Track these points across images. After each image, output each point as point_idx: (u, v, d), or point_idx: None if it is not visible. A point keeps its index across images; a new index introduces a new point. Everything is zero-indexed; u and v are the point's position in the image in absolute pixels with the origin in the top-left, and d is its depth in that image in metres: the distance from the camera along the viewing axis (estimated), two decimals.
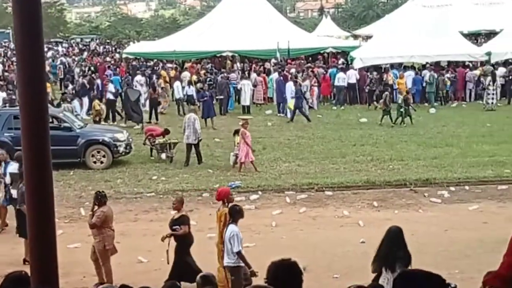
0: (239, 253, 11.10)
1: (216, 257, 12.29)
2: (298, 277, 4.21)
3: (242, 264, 11.13)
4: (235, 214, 11.43)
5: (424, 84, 34.21)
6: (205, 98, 28.78)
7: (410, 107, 28.57)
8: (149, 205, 17.92)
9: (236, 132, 21.57)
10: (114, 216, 17.04)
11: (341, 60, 40.62)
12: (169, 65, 41.32)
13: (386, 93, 29.38)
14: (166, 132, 23.31)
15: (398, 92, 29.86)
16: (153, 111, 30.57)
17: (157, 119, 30.26)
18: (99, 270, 12.79)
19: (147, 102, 31.45)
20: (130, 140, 23.32)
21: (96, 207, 12.85)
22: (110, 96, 30.94)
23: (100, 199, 12.93)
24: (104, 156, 22.11)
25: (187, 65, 41.85)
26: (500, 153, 22.64)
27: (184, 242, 12.35)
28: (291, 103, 29.80)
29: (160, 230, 15.66)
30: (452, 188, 18.84)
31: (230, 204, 12.18)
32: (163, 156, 22.66)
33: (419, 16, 41.71)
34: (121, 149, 22.42)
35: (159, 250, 14.19)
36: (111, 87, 31.78)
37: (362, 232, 15.34)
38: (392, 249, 9.12)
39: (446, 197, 18.20)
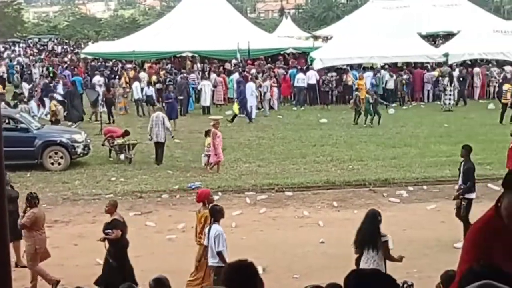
0: (219, 253, 11.11)
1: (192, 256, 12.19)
2: (254, 278, 4.16)
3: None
4: (216, 214, 11.45)
5: (384, 85, 34.45)
6: (170, 100, 28.59)
7: (379, 106, 28.91)
8: None
9: (207, 132, 21.45)
10: (71, 218, 16.94)
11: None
12: (128, 65, 41.00)
13: (357, 93, 29.58)
14: (126, 133, 23.13)
15: (366, 93, 30.05)
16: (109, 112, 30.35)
17: (109, 119, 30.05)
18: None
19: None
20: (88, 141, 23.07)
21: (28, 209, 12.66)
22: (58, 97, 30.48)
23: (31, 200, 12.79)
24: (61, 158, 21.82)
25: (146, 65, 41.56)
26: (457, 153, 22.58)
27: (117, 246, 12.18)
28: (235, 106, 29.71)
29: None
30: (411, 188, 19.02)
31: (211, 205, 12.12)
32: (122, 157, 22.47)
33: (379, 17, 42.22)
34: (79, 150, 22.14)
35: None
36: (59, 88, 31.46)
37: (322, 232, 15.38)
38: (372, 229, 9.84)
39: (405, 196, 18.35)
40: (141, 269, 13.22)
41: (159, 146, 22.25)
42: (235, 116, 29.45)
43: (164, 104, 28.30)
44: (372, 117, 28.43)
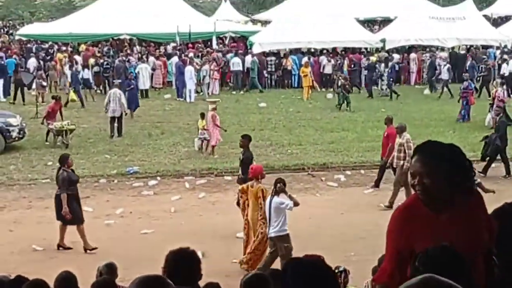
0: (296, 204, 12.09)
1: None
2: (197, 265, 4.17)
3: (288, 231, 11.96)
4: (280, 187, 12.14)
5: (321, 70, 34.70)
6: (131, 87, 27.25)
7: (348, 93, 29.13)
8: (44, 192, 17.39)
9: (202, 115, 21.54)
10: (5, 203, 16.62)
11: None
12: (64, 48, 40.21)
13: (342, 81, 29.58)
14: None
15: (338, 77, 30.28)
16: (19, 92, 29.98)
17: (23, 100, 29.68)
18: None
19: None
20: (24, 125, 22.58)
21: None
22: None
23: None
24: None
25: (82, 47, 40.82)
26: None
27: None
28: (72, 93, 29.02)
29: (54, 218, 15.30)
30: (348, 172, 19.27)
31: (276, 179, 12.66)
32: (59, 140, 22.14)
33: (317, 2, 42.29)
34: (14, 134, 21.66)
35: (54, 238, 13.89)
36: None
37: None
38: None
39: (343, 181, 18.59)
40: (79, 255, 13.14)
41: (114, 120, 23.33)
42: (71, 101, 28.66)
43: (126, 93, 26.39)
44: (341, 103, 28.78)
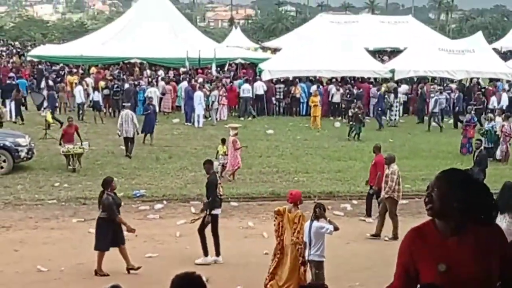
0: (335, 229, 12.31)
1: None
2: None
3: (324, 259, 12.16)
4: (320, 212, 12.42)
5: (330, 99, 34.75)
6: (148, 112, 26.97)
7: (361, 122, 28.97)
8: (50, 213, 17.46)
9: (223, 141, 21.82)
10: (12, 223, 16.64)
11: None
12: (75, 70, 40.50)
13: (355, 110, 29.29)
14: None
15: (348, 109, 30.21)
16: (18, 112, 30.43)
17: (22, 120, 30.18)
18: None
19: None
20: (32, 145, 22.68)
21: None
22: None
23: None
24: (4, 161, 21.39)
25: (93, 69, 41.11)
26: (401, 168, 22.97)
27: None
28: (49, 115, 28.74)
29: (60, 239, 15.37)
30: (355, 202, 19.22)
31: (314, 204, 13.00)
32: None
33: (327, 31, 42.67)
34: (23, 154, 21.76)
35: (59, 259, 13.90)
36: None
37: (266, 244, 15.39)
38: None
39: (349, 210, 18.55)
40: (83, 277, 13.13)
41: (128, 140, 24.25)
42: (49, 125, 28.21)
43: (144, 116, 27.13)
44: (350, 132, 28.79)
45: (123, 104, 28.54)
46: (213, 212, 14.34)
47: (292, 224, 12.52)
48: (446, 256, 3.65)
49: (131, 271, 13.40)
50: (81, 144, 22.57)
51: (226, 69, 41.51)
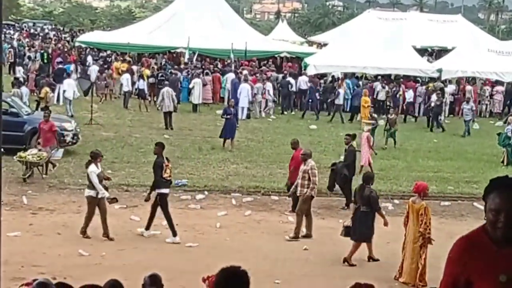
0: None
1: None
2: (246, 286, 4.19)
3: None
4: None
5: (375, 96, 34.43)
6: (229, 116, 25.04)
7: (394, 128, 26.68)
8: None
9: (353, 136, 19.94)
10: (56, 206, 16.89)
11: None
12: (122, 58, 40.86)
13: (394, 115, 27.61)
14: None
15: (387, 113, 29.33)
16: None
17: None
18: None
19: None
20: (78, 130, 22.97)
21: None
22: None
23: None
24: None
25: (143, 59, 41.43)
26: (444, 169, 23.02)
27: None
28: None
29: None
30: (396, 201, 19.03)
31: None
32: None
33: (374, 27, 42.25)
34: (68, 138, 22.04)
35: (100, 244, 14.07)
36: None
37: (305, 239, 15.41)
38: None
39: (390, 209, 18.38)
40: (123, 263, 13.25)
41: (167, 115, 27.14)
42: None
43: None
44: (386, 138, 26.64)
45: (164, 82, 30.21)
46: (161, 191, 14.95)
47: (418, 215, 12.71)
48: (505, 267, 3.60)
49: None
50: (53, 150, 20.01)
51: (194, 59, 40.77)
